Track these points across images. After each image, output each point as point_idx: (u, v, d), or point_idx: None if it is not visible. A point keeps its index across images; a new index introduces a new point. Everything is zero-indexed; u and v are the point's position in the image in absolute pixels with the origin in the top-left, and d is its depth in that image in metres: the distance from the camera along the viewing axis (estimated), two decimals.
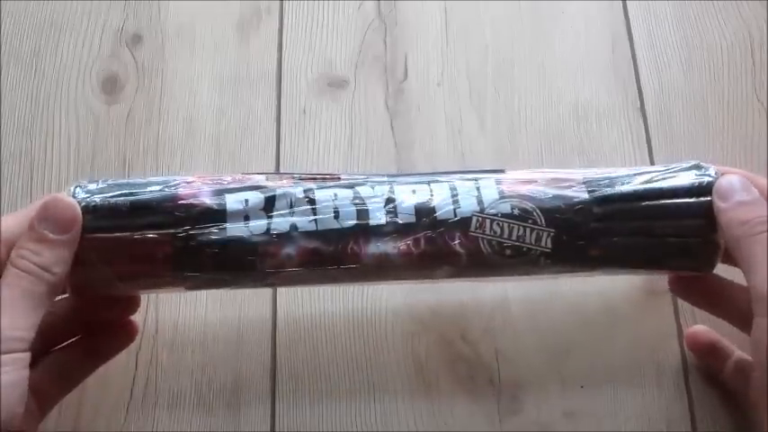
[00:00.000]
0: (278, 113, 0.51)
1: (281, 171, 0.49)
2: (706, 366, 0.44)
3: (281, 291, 0.46)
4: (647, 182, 0.38)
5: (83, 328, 0.40)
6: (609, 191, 0.38)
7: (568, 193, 0.38)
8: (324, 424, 0.43)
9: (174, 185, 0.37)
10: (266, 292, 0.46)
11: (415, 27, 0.53)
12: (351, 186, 0.38)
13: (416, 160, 0.49)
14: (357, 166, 0.49)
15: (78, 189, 0.37)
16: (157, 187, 0.37)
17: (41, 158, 0.49)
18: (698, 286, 0.41)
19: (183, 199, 0.37)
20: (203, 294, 0.45)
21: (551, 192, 0.38)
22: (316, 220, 0.37)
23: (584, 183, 0.38)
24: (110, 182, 0.38)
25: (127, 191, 0.37)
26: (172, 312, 0.45)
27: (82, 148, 0.49)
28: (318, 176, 0.39)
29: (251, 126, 0.50)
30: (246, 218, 0.37)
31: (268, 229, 0.37)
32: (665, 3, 0.54)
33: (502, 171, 0.40)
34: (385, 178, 0.39)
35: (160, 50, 0.52)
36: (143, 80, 0.51)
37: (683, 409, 0.43)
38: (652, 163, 0.49)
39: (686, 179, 0.38)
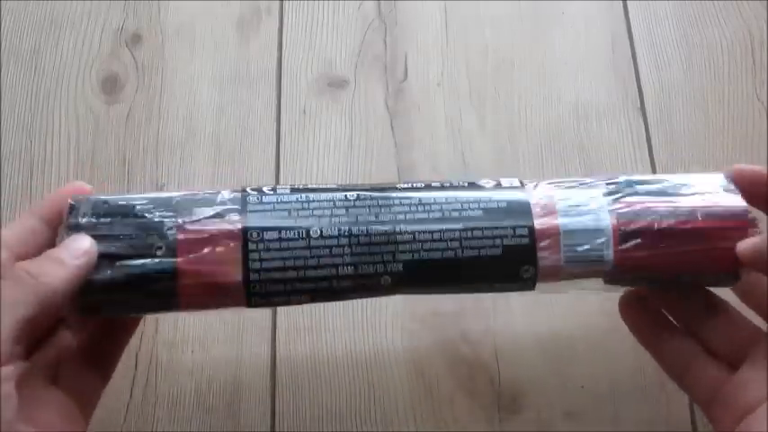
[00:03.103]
0: (278, 113, 0.51)
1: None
2: (637, 334, 0.39)
3: None
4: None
5: None
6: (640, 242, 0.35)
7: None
8: (324, 424, 0.43)
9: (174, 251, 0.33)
10: None
11: (414, 27, 0.53)
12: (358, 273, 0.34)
13: (416, 160, 0.49)
14: (357, 165, 0.49)
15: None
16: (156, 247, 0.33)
17: (41, 157, 0.49)
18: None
19: (185, 280, 0.34)
20: None
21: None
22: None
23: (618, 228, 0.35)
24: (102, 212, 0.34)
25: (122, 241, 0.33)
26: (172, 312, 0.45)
27: (82, 146, 0.49)
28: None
29: (251, 125, 0.50)
30: None
31: None
32: (665, 2, 0.54)
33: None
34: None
35: (160, 50, 0.52)
36: (143, 80, 0.51)
37: (683, 409, 0.43)
38: (652, 162, 0.49)
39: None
